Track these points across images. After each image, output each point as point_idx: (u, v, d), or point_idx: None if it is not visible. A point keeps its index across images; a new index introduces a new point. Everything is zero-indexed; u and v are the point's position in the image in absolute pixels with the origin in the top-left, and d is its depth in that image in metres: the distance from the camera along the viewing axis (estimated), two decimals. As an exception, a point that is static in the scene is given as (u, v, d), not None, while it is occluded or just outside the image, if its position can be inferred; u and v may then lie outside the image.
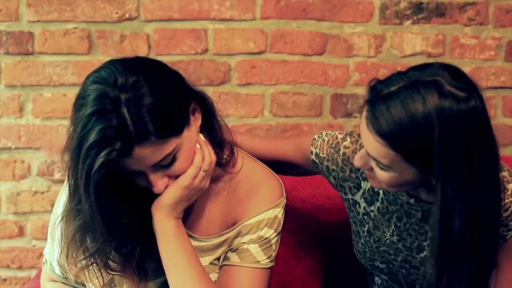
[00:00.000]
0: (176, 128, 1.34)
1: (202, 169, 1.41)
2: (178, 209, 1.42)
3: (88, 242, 1.39)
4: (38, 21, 2.27)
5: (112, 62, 1.34)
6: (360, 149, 1.46)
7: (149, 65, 1.37)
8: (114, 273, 1.45)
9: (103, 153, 1.26)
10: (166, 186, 1.39)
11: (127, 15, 2.28)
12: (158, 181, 1.37)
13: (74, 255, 1.42)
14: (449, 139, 1.29)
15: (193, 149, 1.40)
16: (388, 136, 1.31)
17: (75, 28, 2.28)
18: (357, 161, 1.43)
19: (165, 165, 1.36)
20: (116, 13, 2.28)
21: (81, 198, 1.32)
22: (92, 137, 1.27)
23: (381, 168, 1.37)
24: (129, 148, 1.28)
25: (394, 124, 1.30)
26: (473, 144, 1.31)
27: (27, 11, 2.27)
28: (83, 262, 1.42)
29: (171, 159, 1.36)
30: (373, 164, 1.39)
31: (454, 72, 1.34)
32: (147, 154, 1.31)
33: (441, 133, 1.28)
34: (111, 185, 1.33)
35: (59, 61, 2.29)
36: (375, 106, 1.33)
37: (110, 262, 1.43)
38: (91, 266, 1.43)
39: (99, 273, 1.44)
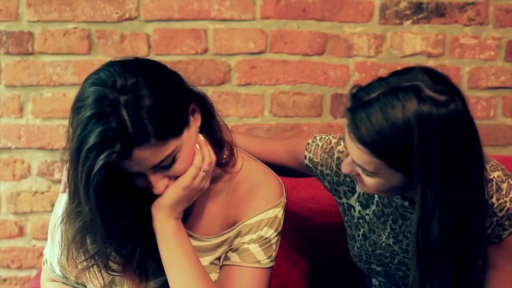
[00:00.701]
0: (176, 129, 1.34)
1: (202, 170, 1.41)
2: (178, 209, 1.42)
3: (89, 243, 1.39)
4: (38, 21, 2.27)
5: (111, 64, 1.34)
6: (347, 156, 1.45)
7: (148, 67, 1.37)
8: (114, 273, 1.45)
9: (102, 156, 1.26)
10: (166, 187, 1.39)
11: (127, 15, 2.28)
12: (158, 182, 1.37)
13: (74, 256, 1.42)
14: (428, 144, 1.27)
15: (192, 150, 1.39)
16: (369, 144, 1.30)
17: (75, 28, 2.28)
18: (344, 168, 1.42)
19: (165, 166, 1.36)
20: (116, 13, 2.28)
21: (81, 200, 1.32)
22: (92, 139, 1.26)
23: (367, 175, 1.36)
24: (128, 150, 1.28)
25: (374, 132, 1.29)
26: (454, 148, 1.29)
27: (27, 11, 2.27)
28: (84, 263, 1.42)
29: (171, 160, 1.35)
30: (359, 170, 1.37)
31: (435, 76, 1.31)
32: (146, 155, 1.31)
33: (420, 138, 1.27)
34: (111, 187, 1.33)
35: (59, 61, 2.29)
36: (356, 114, 1.32)
37: (111, 263, 1.43)
38: (91, 268, 1.43)
39: (100, 274, 1.44)
